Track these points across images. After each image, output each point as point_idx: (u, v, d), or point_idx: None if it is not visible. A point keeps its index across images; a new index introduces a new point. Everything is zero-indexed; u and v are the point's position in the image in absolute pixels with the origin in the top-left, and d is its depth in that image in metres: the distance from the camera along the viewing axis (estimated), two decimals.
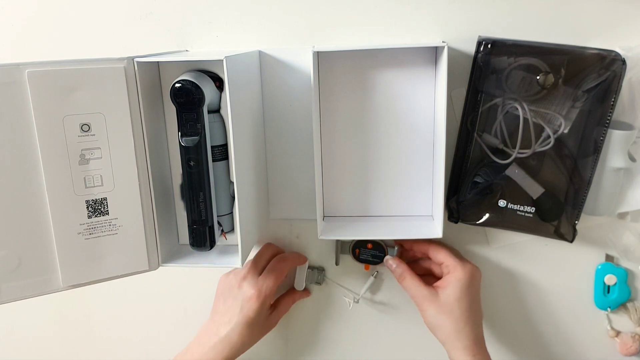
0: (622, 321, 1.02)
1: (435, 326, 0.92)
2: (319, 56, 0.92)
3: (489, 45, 0.86)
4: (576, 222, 0.91)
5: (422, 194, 0.98)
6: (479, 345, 0.91)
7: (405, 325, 1.08)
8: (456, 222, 0.95)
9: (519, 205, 0.91)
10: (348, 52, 0.92)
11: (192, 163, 0.78)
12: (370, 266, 1.05)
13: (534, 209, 0.91)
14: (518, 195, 0.91)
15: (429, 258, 0.99)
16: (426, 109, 0.94)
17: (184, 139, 0.77)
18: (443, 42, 0.87)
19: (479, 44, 0.88)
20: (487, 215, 0.94)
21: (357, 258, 1.03)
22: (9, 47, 1.02)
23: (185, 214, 0.84)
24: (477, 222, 0.94)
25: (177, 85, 0.76)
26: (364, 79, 0.93)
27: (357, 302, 1.07)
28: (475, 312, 0.93)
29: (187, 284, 1.10)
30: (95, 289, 0.81)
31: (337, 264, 1.05)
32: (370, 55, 0.92)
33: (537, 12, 0.90)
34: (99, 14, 0.98)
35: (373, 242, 1.02)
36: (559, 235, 0.92)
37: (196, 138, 0.77)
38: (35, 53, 1.02)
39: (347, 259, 1.05)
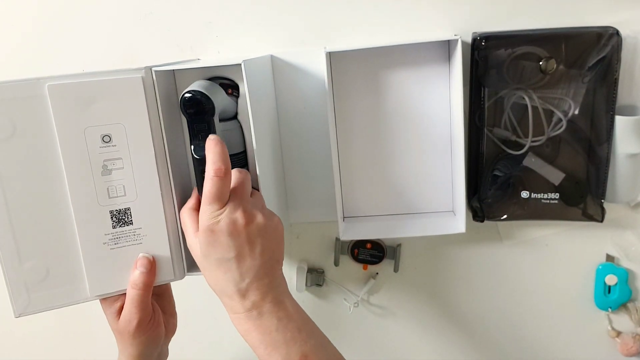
0: (622, 321, 1.04)
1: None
2: (330, 57, 0.92)
3: (484, 40, 0.87)
4: (602, 201, 0.91)
5: (441, 190, 0.98)
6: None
7: (405, 326, 1.10)
8: (482, 221, 0.95)
9: (542, 194, 0.92)
10: (360, 52, 0.92)
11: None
12: (369, 266, 1.06)
13: (557, 194, 0.91)
14: (539, 183, 0.92)
15: None
16: (441, 105, 0.94)
17: (196, 149, 0.76)
18: (455, 35, 0.87)
19: (474, 40, 0.89)
20: (511, 209, 0.93)
21: (356, 258, 1.04)
22: (9, 47, 1.01)
23: None
24: (503, 218, 0.94)
25: (186, 95, 0.74)
26: (377, 78, 0.94)
27: (357, 305, 1.08)
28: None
29: (188, 287, 1.09)
30: None
31: (336, 264, 1.06)
32: (382, 54, 0.92)
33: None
34: (99, 13, 0.98)
35: (372, 241, 1.03)
36: (587, 217, 0.93)
37: None
38: (35, 53, 1.00)
39: (347, 260, 1.06)
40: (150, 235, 0.78)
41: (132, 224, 0.76)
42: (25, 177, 0.72)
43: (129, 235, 0.76)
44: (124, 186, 0.75)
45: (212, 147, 0.71)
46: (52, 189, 0.73)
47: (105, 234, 0.75)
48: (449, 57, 0.92)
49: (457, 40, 0.83)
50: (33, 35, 0.99)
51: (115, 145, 0.74)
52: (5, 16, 0.99)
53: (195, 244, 0.72)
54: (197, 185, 0.79)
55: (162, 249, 0.79)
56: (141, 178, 0.76)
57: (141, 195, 0.76)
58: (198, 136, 0.76)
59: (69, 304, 0.76)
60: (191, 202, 0.78)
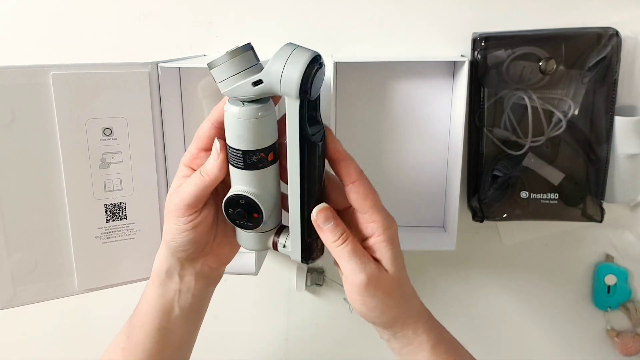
0: (622, 321, 1.03)
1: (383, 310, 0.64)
2: (337, 66, 0.90)
3: (484, 41, 0.86)
4: (602, 201, 0.91)
5: (436, 205, 0.97)
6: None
7: None
8: (482, 221, 0.94)
9: (541, 194, 0.91)
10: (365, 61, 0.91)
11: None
12: None
13: (557, 195, 0.91)
14: (539, 184, 0.91)
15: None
16: (443, 120, 0.93)
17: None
18: (462, 55, 0.87)
19: (474, 40, 0.88)
20: (511, 209, 0.93)
21: None
22: (8, 46, 1.01)
23: None
24: (502, 217, 0.94)
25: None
26: (380, 88, 0.93)
27: None
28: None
29: None
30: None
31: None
32: (387, 65, 0.91)
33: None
34: (98, 13, 0.98)
35: None
36: (587, 217, 0.92)
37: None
38: (36, 51, 1.00)
39: None
40: (143, 231, 0.78)
41: (125, 218, 0.76)
42: (20, 167, 0.71)
43: (122, 230, 0.76)
44: (120, 180, 0.75)
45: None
46: (47, 180, 0.72)
47: (98, 228, 0.75)
48: (453, 71, 0.91)
49: (464, 62, 0.82)
50: (30, 35, 1.00)
51: (115, 139, 0.74)
52: (4, 16, 0.99)
53: None
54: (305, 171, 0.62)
55: (154, 245, 0.78)
56: (139, 173, 0.76)
57: (137, 190, 0.76)
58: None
59: (54, 298, 0.75)
60: None
